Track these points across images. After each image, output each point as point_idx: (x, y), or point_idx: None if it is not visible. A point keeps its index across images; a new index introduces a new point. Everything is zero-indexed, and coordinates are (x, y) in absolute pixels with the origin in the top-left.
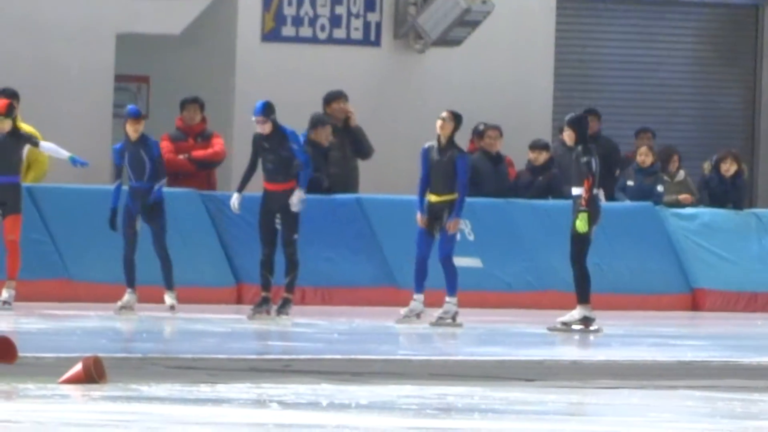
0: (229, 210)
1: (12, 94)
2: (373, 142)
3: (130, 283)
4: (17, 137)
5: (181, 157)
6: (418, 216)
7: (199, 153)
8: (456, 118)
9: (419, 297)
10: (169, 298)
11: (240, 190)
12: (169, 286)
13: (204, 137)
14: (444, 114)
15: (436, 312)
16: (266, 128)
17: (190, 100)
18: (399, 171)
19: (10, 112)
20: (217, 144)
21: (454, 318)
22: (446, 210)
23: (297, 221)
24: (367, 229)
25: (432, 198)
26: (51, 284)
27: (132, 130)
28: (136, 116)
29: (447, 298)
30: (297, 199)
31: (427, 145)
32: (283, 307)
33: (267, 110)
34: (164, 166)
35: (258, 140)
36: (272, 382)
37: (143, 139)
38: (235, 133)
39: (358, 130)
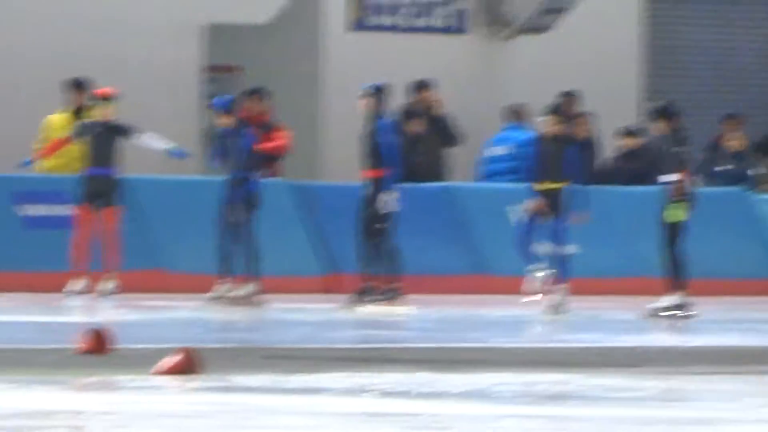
0: (321, 199)
1: (79, 84)
2: (460, 130)
3: (227, 273)
4: (114, 128)
5: None
6: (529, 202)
7: (259, 146)
8: (560, 119)
9: (535, 267)
10: (250, 288)
11: None
12: (252, 276)
13: (266, 128)
14: (547, 118)
15: (546, 301)
16: (362, 105)
17: (252, 90)
18: None
19: (113, 98)
20: (281, 137)
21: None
22: (556, 198)
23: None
24: (457, 217)
25: (540, 186)
26: (145, 275)
27: (220, 122)
28: (217, 109)
29: (558, 286)
30: (382, 202)
31: (535, 134)
32: (388, 295)
33: (369, 89)
34: (259, 156)
35: (363, 126)
36: (367, 371)
37: (238, 129)
38: (323, 123)
39: (445, 119)
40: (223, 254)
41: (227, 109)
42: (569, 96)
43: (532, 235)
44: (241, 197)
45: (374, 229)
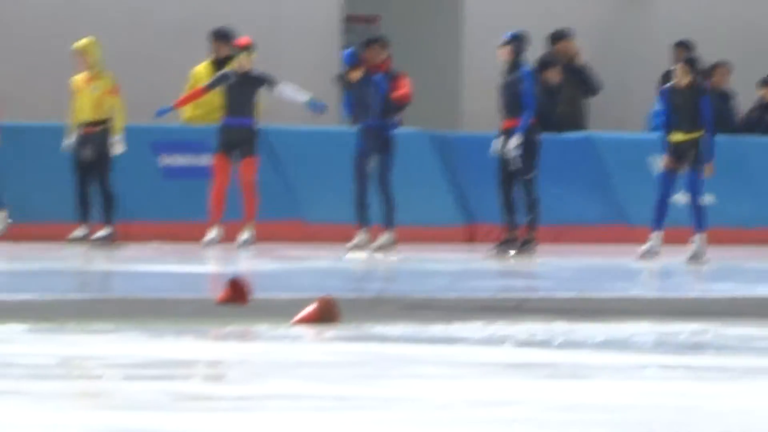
0: (462, 149)
1: (223, 34)
2: (601, 80)
3: (363, 223)
4: (252, 78)
5: None
6: (664, 157)
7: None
8: (692, 66)
9: (657, 234)
10: (387, 237)
11: None
12: (389, 225)
13: (390, 77)
14: (677, 66)
15: (687, 250)
16: (501, 53)
17: (373, 39)
18: (628, 109)
19: (251, 48)
20: (404, 85)
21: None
22: (692, 149)
23: (531, 160)
24: (597, 166)
25: (677, 137)
26: (284, 225)
27: (349, 74)
28: (347, 63)
29: (696, 236)
30: (512, 145)
31: (666, 85)
32: (524, 246)
33: (512, 36)
34: (394, 102)
35: (501, 75)
36: (505, 321)
37: (368, 78)
38: (463, 73)
39: (585, 68)
40: (359, 204)
41: (353, 60)
42: (681, 46)
43: (668, 189)
44: (378, 146)
45: (524, 179)
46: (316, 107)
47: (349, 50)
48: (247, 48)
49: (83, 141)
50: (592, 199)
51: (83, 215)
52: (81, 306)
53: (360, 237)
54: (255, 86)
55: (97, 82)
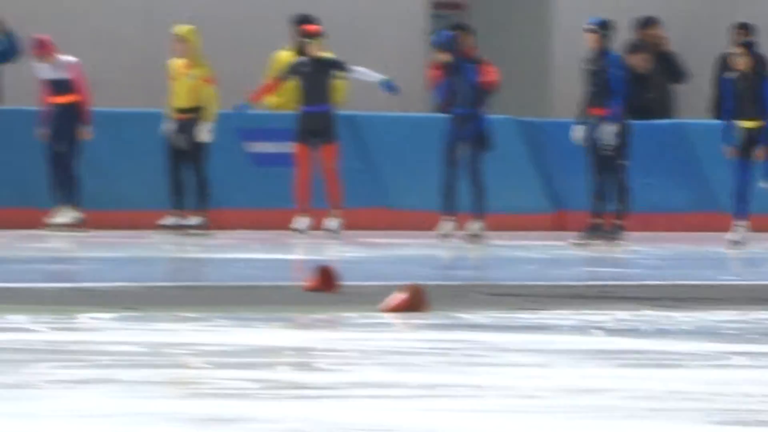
0: (550, 136)
1: (304, 20)
2: (688, 67)
3: (449, 210)
4: (324, 64)
5: None
6: (727, 148)
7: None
8: (749, 49)
9: (741, 223)
10: (476, 225)
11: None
12: (480, 213)
13: (476, 63)
14: (735, 49)
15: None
16: (590, 39)
17: (456, 26)
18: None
19: (321, 35)
20: (490, 72)
21: None
22: (754, 136)
23: (625, 147)
24: (686, 153)
25: (745, 124)
26: (371, 212)
27: (438, 56)
28: (437, 46)
29: None
30: (606, 132)
31: (729, 74)
32: (614, 233)
33: (599, 23)
34: (484, 91)
35: (586, 62)
36: (594, 309)
37: (458, 65)
38: (553, 60)
39: (672, 55)
40: (447, 191)
41: (447, 45)
42: (741, 28)
43: (745, 177)
44: (470, 134)
45: (619, 166)
46: (389, 87)
47: (439, 35)
48: (316, 35)
49: (178, 128)
50: (683, 186)
51: (176, 203)
52: (170, 294)
53: (447, 225)
54: (328, 71)
55: (195, 69)
